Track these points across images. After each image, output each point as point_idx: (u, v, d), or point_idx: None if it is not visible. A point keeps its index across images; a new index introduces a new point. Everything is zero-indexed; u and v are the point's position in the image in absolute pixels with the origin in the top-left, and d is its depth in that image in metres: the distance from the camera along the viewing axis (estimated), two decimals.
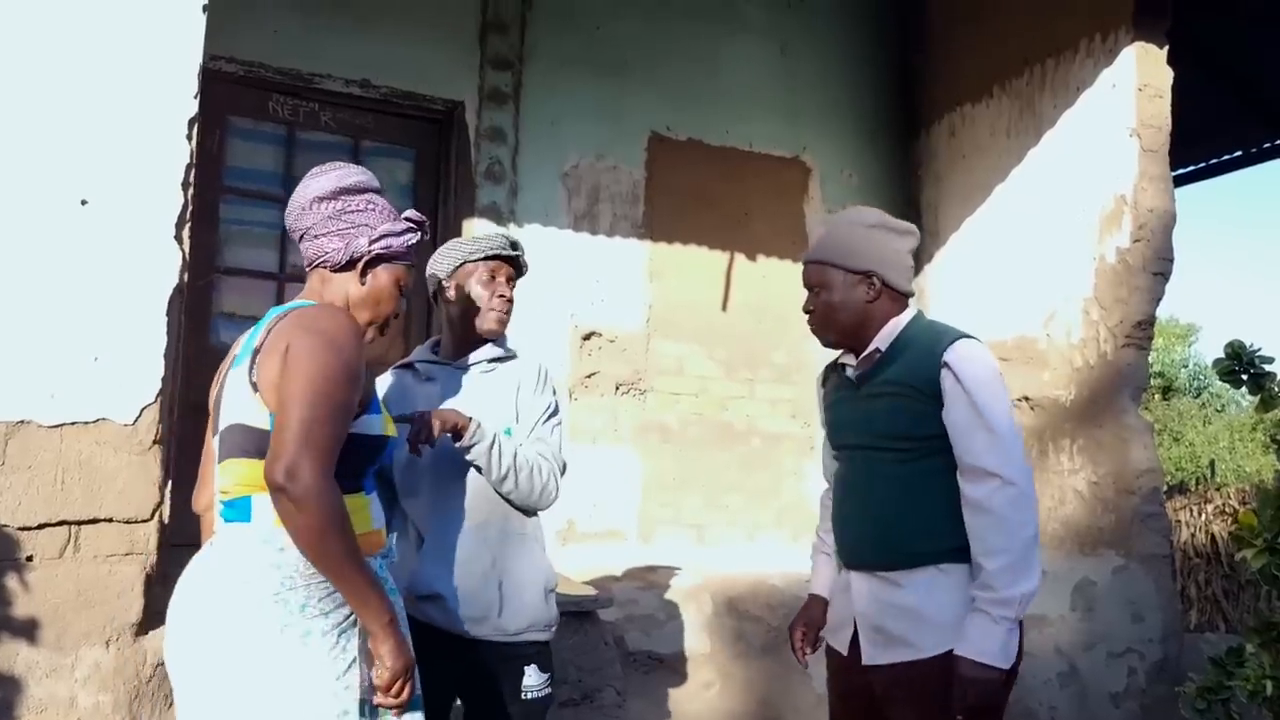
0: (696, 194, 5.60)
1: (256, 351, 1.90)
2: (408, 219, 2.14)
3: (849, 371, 2.43)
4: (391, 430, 2.06)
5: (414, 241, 2.14)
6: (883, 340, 2.35)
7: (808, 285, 2.43)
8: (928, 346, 2.27)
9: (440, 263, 2.62)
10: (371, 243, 2.04)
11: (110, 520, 2.94)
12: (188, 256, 3.06)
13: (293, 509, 1.73)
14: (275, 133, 4.91)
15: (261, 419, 1.86)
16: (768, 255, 5.77)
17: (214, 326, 4.75)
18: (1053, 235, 5.10)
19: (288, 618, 1.79)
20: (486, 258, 2.60)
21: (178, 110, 3.02)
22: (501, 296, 2.59)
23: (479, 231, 5.07)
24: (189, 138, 3.05)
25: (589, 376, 5.28)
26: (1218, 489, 8.05)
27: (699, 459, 5.51)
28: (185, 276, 3.06)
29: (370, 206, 2.07)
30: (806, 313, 2.44)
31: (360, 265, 2.04)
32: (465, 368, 2.57)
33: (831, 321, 2.39)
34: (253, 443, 1.87)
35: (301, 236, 2.05)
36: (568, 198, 5.31)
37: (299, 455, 1.72)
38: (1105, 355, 4.81)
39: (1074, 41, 5.04)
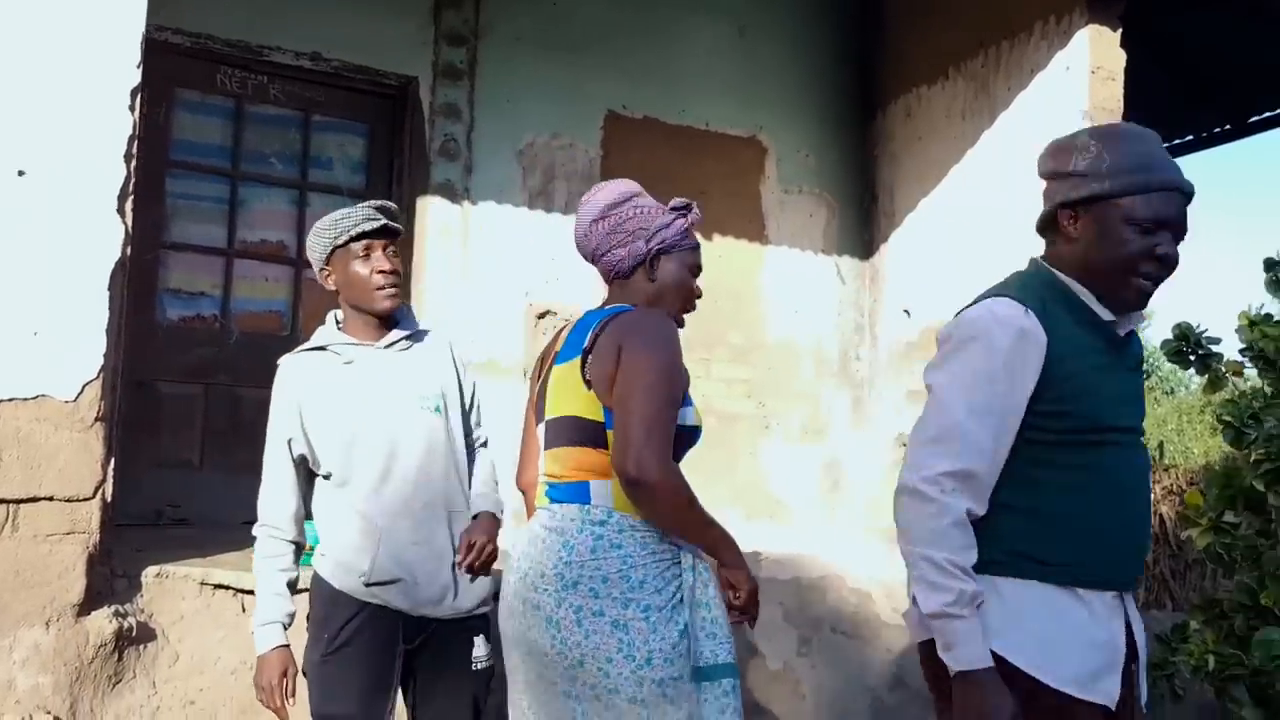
0: (653, 173, 5.53)
1: (587, 352, 2.08)
2: (673, 207, 2.27)
3: (1116, 327, 1.95)
4: (700, 420, 2.21)
5: (685, 225, 2.28)
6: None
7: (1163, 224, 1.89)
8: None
9: (312, 254, 2.50)
10: (648, 242, 2.21)
11: (51, 499, 2.88)
12: (130, 230, 3.00)
13: (649, 496, 1.96)
14: (223, 106, 4.82)
15: (595, 412, 2.07)
16: (724, 235, 5.75)
17: (160, 302, 4.67)
18: (1009, 218, 5.12)
19: (630, 593, 1.98)
20: (353, 238, 2.43)
21: (119, 80, 2.95)
22: (382, 272, 2.44)
23: (434, 208, 5.03)
24: (131, 108, 2.98)
25: None
26: (1166, 470, 8.18)
27: None
28: (128, 251, 3.00)
29: (638, 211, 2.22)
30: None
31: (646, 263, 2.22)
32: (382, 348, 2.50)
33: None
34: (585, 433, 2.08)
35: (595, 259, 2.26)
36: (523, 175, 5.26)
37: (644, 448, 1.93)
38: None
39: (1028, 24, 5.05)
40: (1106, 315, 1.92)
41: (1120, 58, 4.81)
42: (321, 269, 2.50)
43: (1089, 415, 1.87)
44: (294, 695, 2.37)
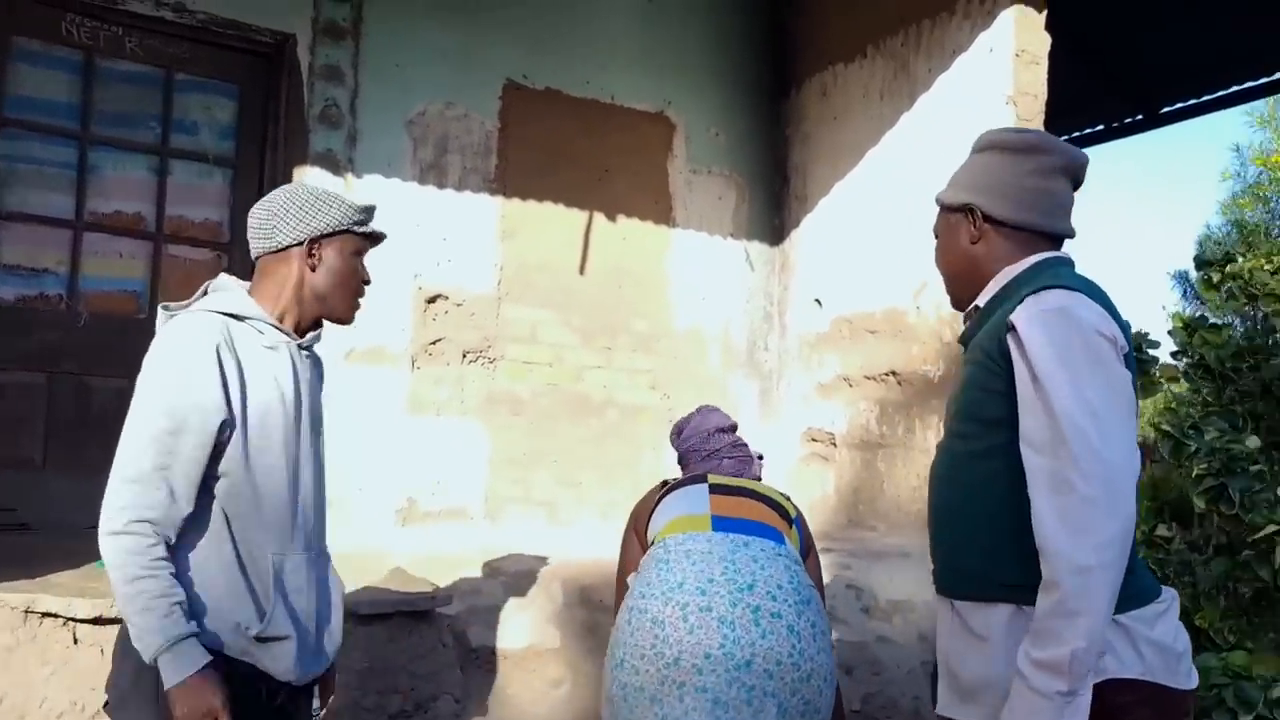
0: (554, 148, 5.20)
1: None
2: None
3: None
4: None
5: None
6: (986, 293, 1.82)
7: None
8: (1014, 300, 1.71)
9: (301, 216, 2.04)
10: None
11: None
12: None
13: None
14: (70, 59, 4.29)
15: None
16: (629, 215, 5.42)
17: None
18: (924, 204, 4.88)
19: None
20: (367, 234, 2.10)
21: None
22: (366, 283, 2.13)
23: (312, 180, 4.56)
24: None
25: (433, 343, 4.85)
26: None
27: (551, 432, 5.15)
28: None
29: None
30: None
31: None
32: (297, 345, 2.08)
33: (945, 275, 1.92)
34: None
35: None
36: (413, 147, 4.83)
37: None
38: None
39: (951, 3, 4.82)
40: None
41: (1045, 41, 4.61)
42: (307, 240, 2.03)
43: None
44: None
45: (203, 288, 2.06)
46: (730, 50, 5.77)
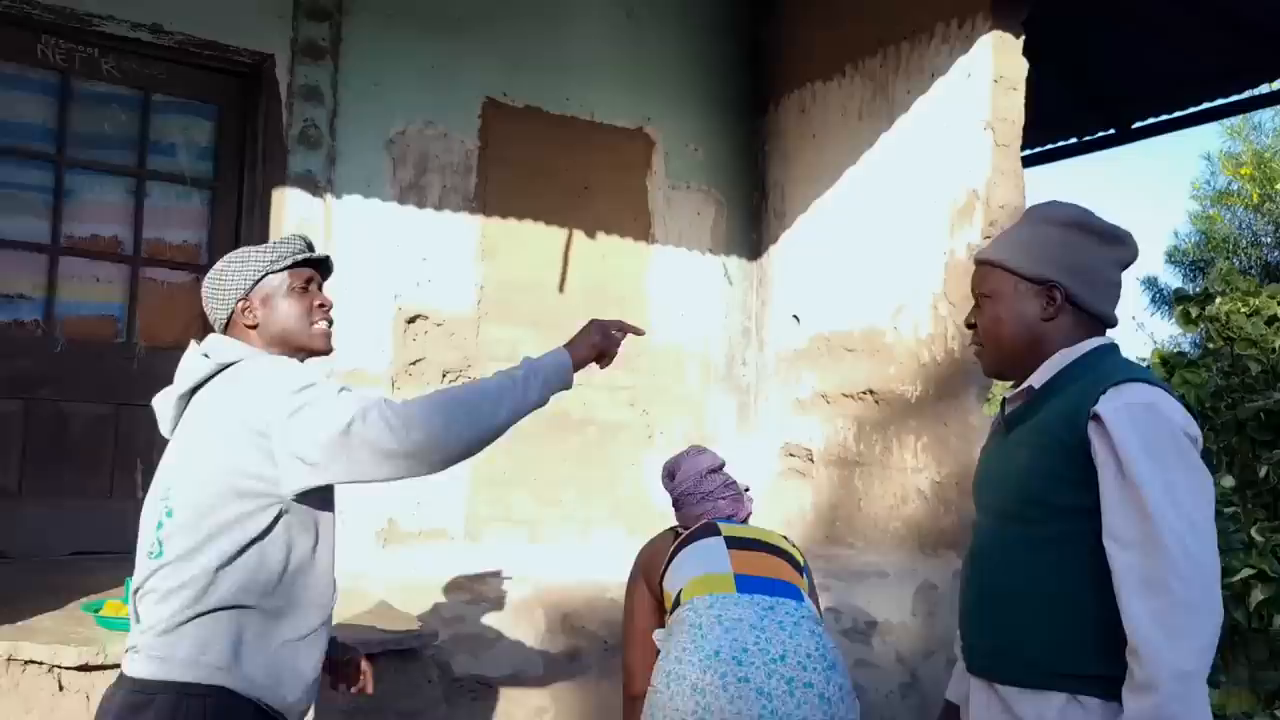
0: (534, 166, 5.19)
1: None
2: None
3: (1005, 407, 1.94)
4: None
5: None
6: (1044, 373, 1.83)
7: (974, 292, 1.94)
8: (1090, 385, 1.72)
9: (228, 282, 2.10)
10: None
11: None
12: None
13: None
14: (46, 81, 4.24)
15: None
16: (608, 233, 5.42)
17: None
18: (903, 225, 4.94)
19: None
20: (292, 265, 2.13)
21: None
22: (322, 306, 2.15)
23: (291, 202, 4.55)
24: None
25: (414, 363, 4.85)
26: None
27: (531, 451, 5.15)
28: None
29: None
30: (969, 327, 1.96)
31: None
32: None
33: (995, 340, 1.89)
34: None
35: None
36: (392, 167, 4.81)
37: None
38: (953, 352, 4.70)
39: (930, 25, 4.85)
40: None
41: (1022, 66, 4.65)
42: (240, 299, 2.09)
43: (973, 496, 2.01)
44: None
45: (198, 350, 2.06)
46: (709, 66, 5.78)
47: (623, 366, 5.36)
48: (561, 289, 5.28)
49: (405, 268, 4.80)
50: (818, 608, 2.57)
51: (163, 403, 2.05)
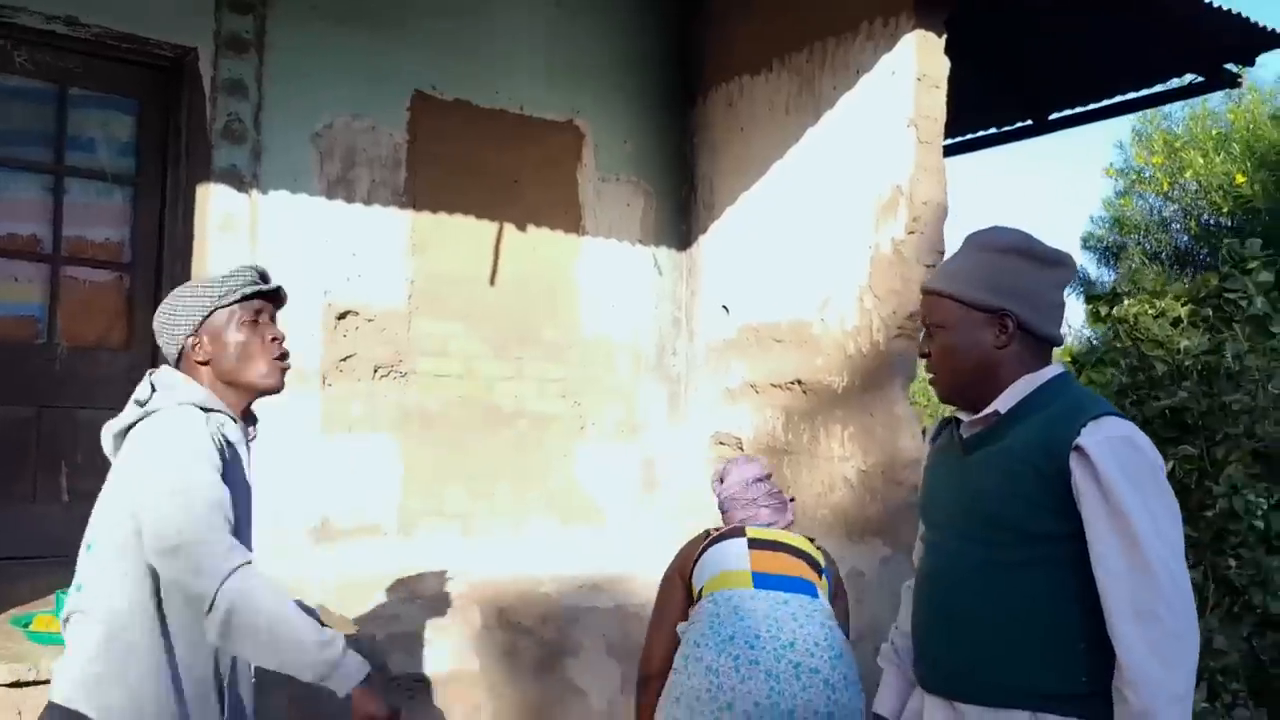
0: (464, 159, 5.17)
1: None
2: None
3: (961, 429, 1.95)
4: None
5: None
6: (1008, 399, 1.86)
7: (925, 322, 1.98)
8: (1062, 415, 1.79)
9: (175, 317, 2.11)
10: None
11: None
12: None
13: None
14: None
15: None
16: (539, 225, 5.43)
17: None
18: (830, 219, 5.03)
19: None
20: (245, 297, 2.14)
21: None
22: (275, 340, 2.16)
23: (216, 197, 4.48)
24: None
25: (344, 359, 4.82)
26: None
27: (463, 445, 5.17)
28: None
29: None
30: (922, 356, 1.99)
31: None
32: (250, 440, 2.19)
33: (949, 370, 1.92)
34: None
35: None
36: (319, 161, 4.76)
37: None
38: (878, 344, 4.81)
39: (855, 23, 4.92)
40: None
41: (944, 65, 4.74)
42: (190, 335, 2.09)
43: (921, 514, 2.07)
44: None
45: (147, 383, 2.08)
46: (639, 58, 5.80)
47: (554, 358, 5.44)
48: (493, 282, 5.28)
49: (334, 263, 4.77)
50: (845, 606, 2.84)
51: (105, 435, 2.06)
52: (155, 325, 2.14)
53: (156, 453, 1.93)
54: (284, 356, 2.18)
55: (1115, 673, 1.67)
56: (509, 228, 5.33)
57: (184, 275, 4.30)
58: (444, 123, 5.10)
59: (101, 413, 2.29)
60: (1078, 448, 1.73)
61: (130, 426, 2.00)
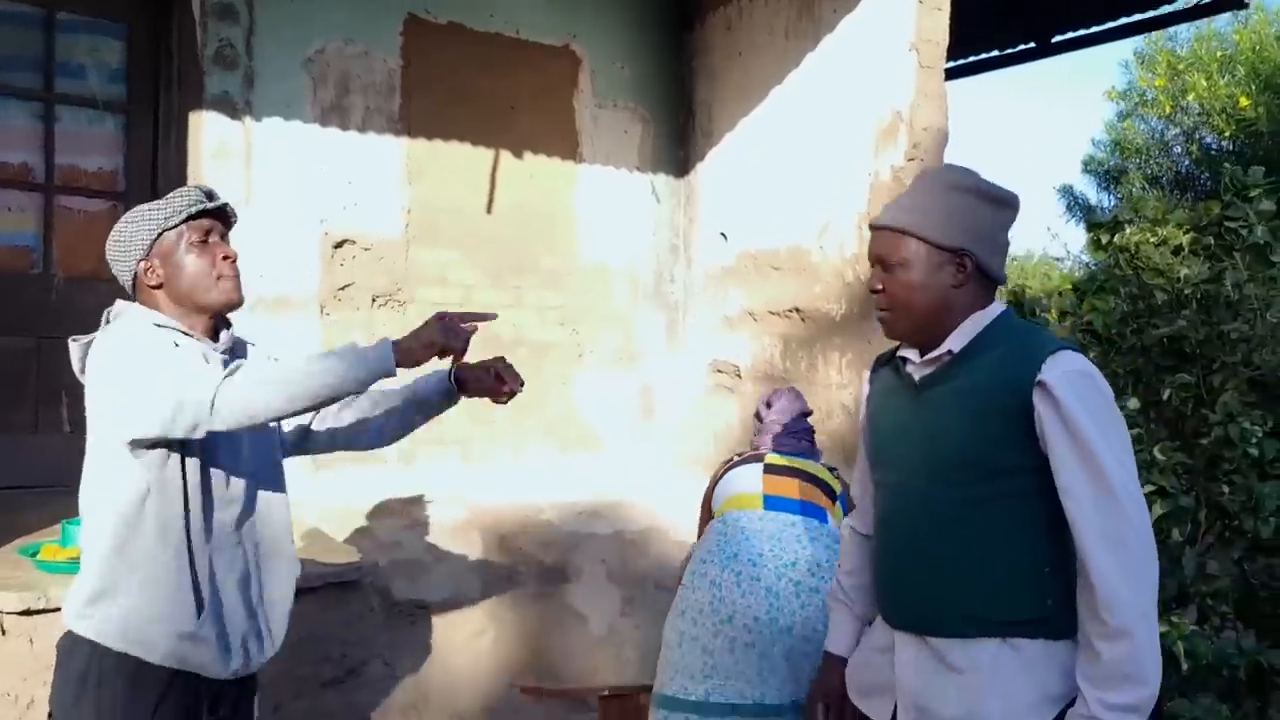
0: (459, 85, 5.10)
1: None
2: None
3: (909, 369, 1.95)
4: None
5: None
6: (959, 338, 1.87)
7: (878, 259, 1.92)
8: (1018, 352, 1.82)
9: (126, 245, 2.10)
10: None
11: None
12: None
13: None
14: None
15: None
16: (535, 152, 5.38)
17: None
18: (829, 145, 4.98)
19: None
20: (190, 217, 2.10)
21: None
22: (227, 258, 2.14)
23: (209, 125, 4.44)
24: None
25: (342, 289, 4.81)
26: None
27: None
28: None
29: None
30: (873, 292, 1.94)
31: None
32: (221, 351, 2.16)
33: (907, 308, 1.89)
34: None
35: None
36: (313, 87, 4.70)
37: None
38: None
39: None
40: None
41: None
42: (141, 260, 2.09)
43: (870, 455, 2.06)
44: None
45: (104, 315, 2.10)
46: None
47: (552, 286, 5.43)
48: (489, 210, 5.25)
49: (330, 192, 4.73)
50: None
51: (74, 360, 2.10)
52: (108, 256, 2.12)
53: (112, 352, 1.98)
54: (235, 274, 2.15)
55: (1084, 595, 1.72)
56: (505, 155, 5.28)
57: None
58: (438, 47, 5.02)
59: None
60: (1040, 383, 1.76)
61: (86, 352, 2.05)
